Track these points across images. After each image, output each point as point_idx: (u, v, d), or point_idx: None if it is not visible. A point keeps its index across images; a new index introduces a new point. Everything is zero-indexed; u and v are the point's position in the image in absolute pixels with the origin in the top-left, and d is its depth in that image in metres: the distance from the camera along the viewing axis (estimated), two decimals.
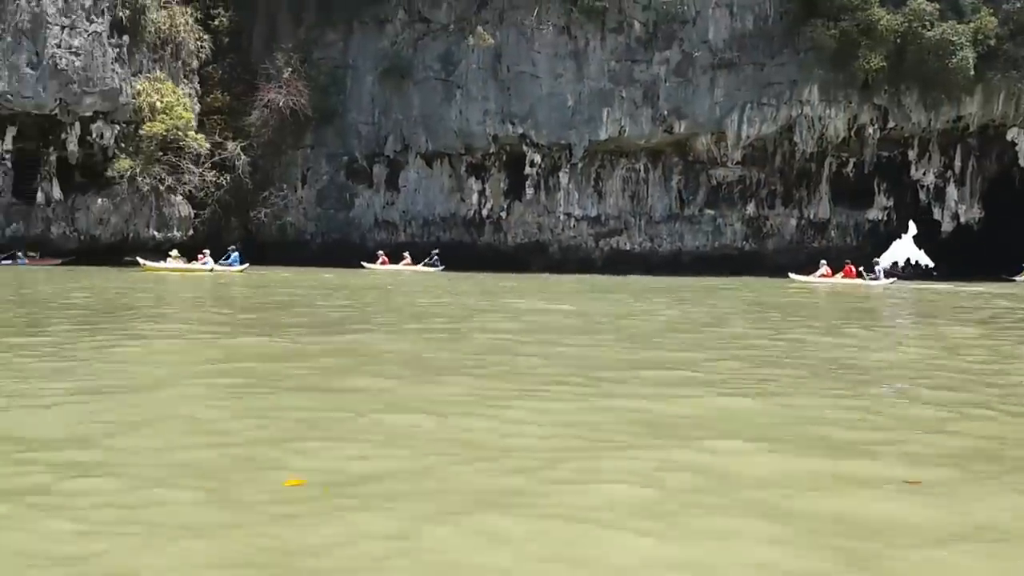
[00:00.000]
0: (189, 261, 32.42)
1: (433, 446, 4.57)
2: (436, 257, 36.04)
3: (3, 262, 30.95)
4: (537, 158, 36.92)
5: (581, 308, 16.17)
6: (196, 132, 34.66)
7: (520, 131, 36.58)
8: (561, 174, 37.19)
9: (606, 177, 37.60)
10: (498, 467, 4.13)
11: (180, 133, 33.99)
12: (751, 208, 37.25)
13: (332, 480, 3.88)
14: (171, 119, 33.72)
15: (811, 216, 37.31)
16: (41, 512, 3.43)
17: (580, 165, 36.96)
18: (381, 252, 36.53)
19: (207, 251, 33.25)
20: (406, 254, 36.20)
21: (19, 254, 31.68)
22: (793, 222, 37.31)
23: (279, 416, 5.22)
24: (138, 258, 32.16)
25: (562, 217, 37.46)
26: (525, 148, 36.82)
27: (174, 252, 33.02)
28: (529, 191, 37.31)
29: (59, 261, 32.22)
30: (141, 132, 33.54)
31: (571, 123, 36.29)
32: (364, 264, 35.46)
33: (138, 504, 3.52)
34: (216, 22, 37.88)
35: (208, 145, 35.12)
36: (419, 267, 35.43)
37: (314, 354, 8.39)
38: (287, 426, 4.98)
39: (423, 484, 3.87)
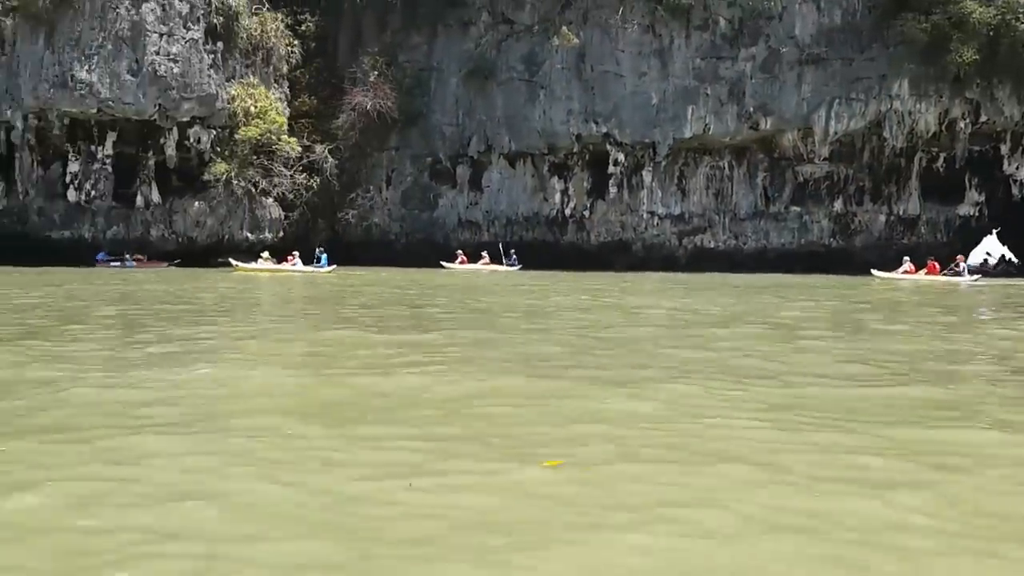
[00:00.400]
0: (279, 262, 33.19)
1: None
2: (514, 256, 36.39)
3: (112, 264, 32.01)
4: (621, 157, 36.98)
5: (712, 304, 16.23)
6: (288, 136, 35.40)
7: (604, 130, 36.67)
8: (644, 172, 37.20)
9: (689, 175, 37.50)
10: None
11: (273, 137, 34.78)
12: (838, 205, 36.81)
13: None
14: (265, 123, 34.53)
15: (900, 212, 36.72)
16: None
17: (663, 163, 36.91)
18: (460, 252, 36.97)
19: (296, 252, 34.00)
20: (484, 253, 36.59)
21: (127, 256, 32.71)
22: (882, 218, 36.76)
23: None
24: (231, 259, 33.03)
25: (645, 215, 37.46)
26: (608, 147, 36.90)
27: (265, 254, 33.85)
28: (612, 190, 37.39)
29: (166, 264, 33.18)
30: (236, 136, 34.38)
31: (655, 121, 36.28)
32: (443, 264, 35.93)
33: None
34: (303, 27, 38.63)
35: (299, 148, 35.85)
36: (497, 266, 35.82)
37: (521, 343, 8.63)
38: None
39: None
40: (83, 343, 9.45)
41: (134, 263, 32.64)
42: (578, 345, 9.45)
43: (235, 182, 34.68)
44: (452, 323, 12.47)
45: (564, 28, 36.19)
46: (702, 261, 36.44)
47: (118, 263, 32.08)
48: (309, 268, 33.13)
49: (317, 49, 39.60)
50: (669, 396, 6.21)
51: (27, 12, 32.21)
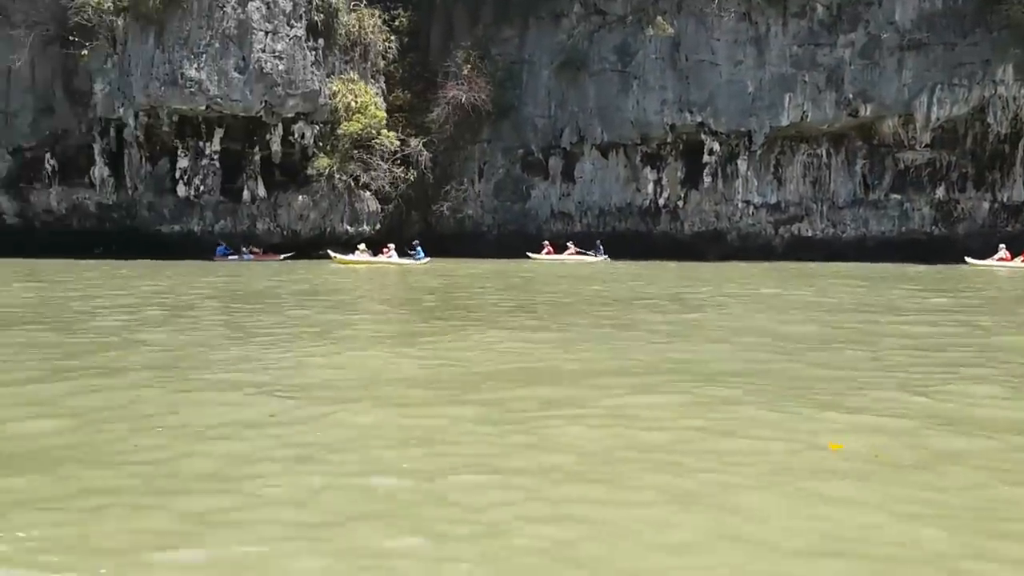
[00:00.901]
0: (375, 254, 33.75)
1: None
2: (601, 247, 36.57)
3: (230, 258, 32.86)
4: (716, 146, 36.82)
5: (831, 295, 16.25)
6: (388, 130, 35.95)
7: (698, 119, 36.54)
8: (739, 161, 36.99)
9: (786, 163, 37.20)
10: None
11: (373, 131, 35.33)
12: (940, 192, 36.20)
13: None
14: (366, 118, 35.09)
15: (1004, 199, 35.97)
16: None
17: (759, 152, 36.67)
18: (546, 243, 37.24)
19: (391, 245, 34.53)
20: (570, 244, 36.85)
21: (244, 250, 33.51)
22: (985, 206, 36.06)
23: None
24: (329, 251, 33.68)
25: (740, 205, 37.26)
26: (703, 136, 36.76)
27: (361, 246, 34.44)
28: (707, 179, 37.26)
29: (281, 257, 33.92)
30: (339, 131, 35.01)
31: (751, 110, 36.05)
32: (529, 254, 36.22)
33: None
34: (396, 23, 39.10)
35: (398, 142, 36.37)
36: (582, 256, 36.04)
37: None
38: None
39: None
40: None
41: (251, 256, 33.44)
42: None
43: (337, 176, 35.32)
44: (659, 321, 12.70)
45: (659, 18, 36.11)
46: (799, 250, 36.18)
47: (236, 256, 32.89)
48: (404, 260, 33.65)
49: (410, 44, 40.04)
50: None
51: (138, 12, 33.17)
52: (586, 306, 14.07)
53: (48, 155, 36.63)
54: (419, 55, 40.49)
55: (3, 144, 36.49)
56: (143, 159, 36.08)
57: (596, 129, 38.11)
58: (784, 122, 35.88)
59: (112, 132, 35.98)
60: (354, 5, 36.83)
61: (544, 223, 39.35)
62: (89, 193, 36.82)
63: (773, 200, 37.24)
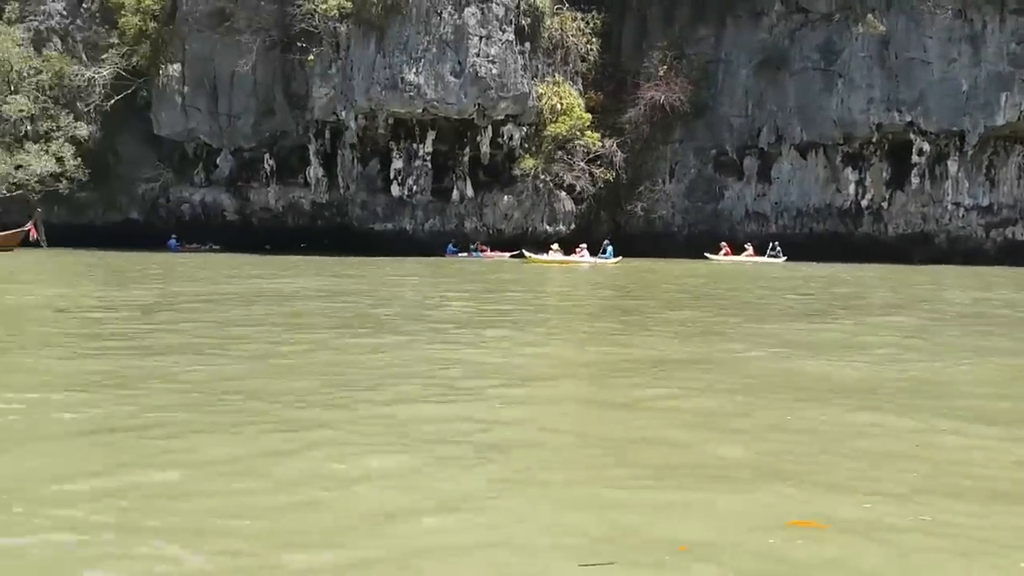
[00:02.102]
0: (567, 254, 34.40)
1: None
2: (778, 248, 36.28)
3: (460, 255, 34.07)
4: (925, 146, 36.02)
5: None
6: (594, 132, 36.57)
7: (907, 119, 35.80)
8: (949, 162, 36.09)
9: (999, 164, 36.11)
10: None
11: (578, 133, 36.00)
12: None
13: None
14: (571, 120, 35.78)
15: None
16: None
17: (971, 152, 35.70)
18: (723, 244, 37.15)
19: (584, 244, 35.11)
20: (748, 245, 36.71)
21: (473, 247, 34.62)
22: None
23: None
24: (523, 251, 34.48)
25: (950, 206, 36.35)
26: (912, 136, 36.00)
27: (555, 245, 35.15)
28: (914, 180, 36.49)
29: (507, 254, 34.90)
30: (545, 133, 35.81)
31: (964, 109, 35.11)
32: (707, 255, 36.24)
33: None
34: (591, 25, 39.60)
35: (601, 143, 36.93)
36: (759, 258, 35.86)
37: None
38: None
39: None
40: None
41: (480, 254, 34.51)
42: None
43: (541, 176, 36.14)
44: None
45: (869, 16, 35.53)
46: (1012, 255, 35.06)
47: (465, 254, 34.05)
48: (596, 259, 34.18)
49: (602, 45, 40.48)
50: None
51: (360, 19, 34.64)
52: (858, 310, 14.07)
53: (267, 155, 38.68)
54: (611, 56, 40.89)
55: (226, 145, 38.71)
56: (355, 160, 37.71)
57: (795, 128, 37.78)
58: (1000, 121, 34.83)
59: (327, 134, 37.72)
60: (556, 8, 37.50)
61: (738, 224, 39.27)
62: (304, 192, 38.74)
63: (985, 202, 36.20)
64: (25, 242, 34.16)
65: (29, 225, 34.13)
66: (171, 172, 39.52)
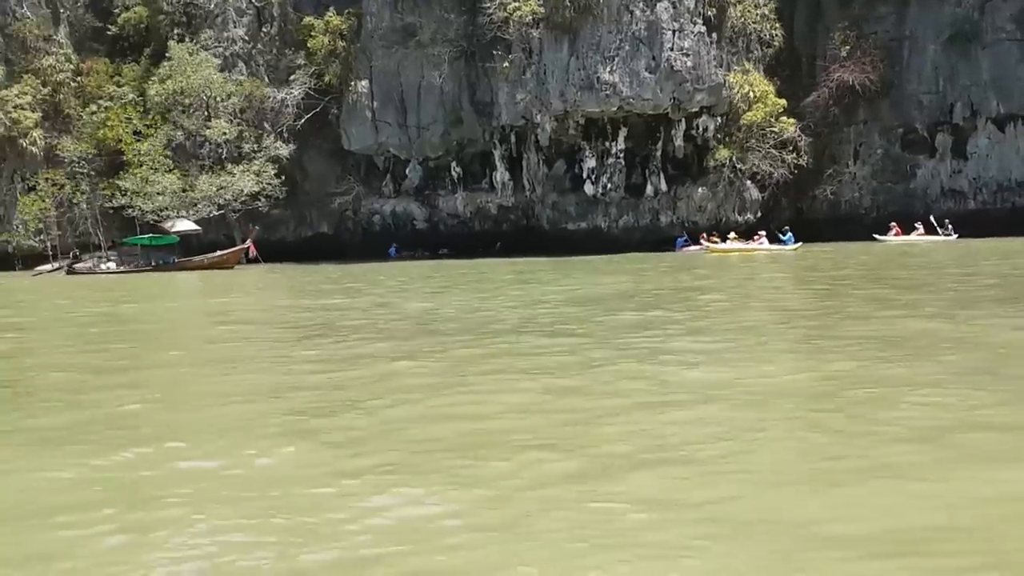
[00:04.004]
0: (745, 241, 34.18)
1: None
2: (950, 225, 35.35)
3: (687, 250, 34.09)
4: None
5: None
6: (788, 118, 36.30)
7: None
8: None
9: None
10: None
11: (772, 120, 35.79)
12: None
13: None
14: (766, 107, 35.59)
15: None
16: None
17: None
18: (894, 224, 36.39)
19: (763, 232, 34.83)
20: (918, 224, 35.89)
21: (702, 240, 34.58)
22: None
23: None
24: (701, 239, 34.36)
25: None
26: None
27: (732, 234, 34.96)
28: None
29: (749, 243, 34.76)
30: (742, 122, 35.70)
31: None
32: (876, 236, 35.57)
33: None
34: (771, 11, 39.28)
35: (794, 130, 36.63)
36: (932, 236, 34.99)
37: None
38: None
39: None
40: None
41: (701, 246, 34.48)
42: None
43: (737, 166, 36.03)
44: None
45: None
46: None
47: (696, 247, 34.09)
48: (775, 246, 33.87)
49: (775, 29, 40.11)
50: None
51: (552, 22, 35.02)
52: None
53: (453, 163, 39.37)
54: (785, 40, 40.47)
55: (415, 156, 39.55)
56: (540, 162, 38.14)
57: (991, 102, 36.91)
58: None
59: (512, 138, 38.22)
60: None
61: (933, 202, 38.43)
62: (490, 196, 39.30)
63: None
64: (244, 259, 35.52)
65: (249, 243, 35.46)
66: (361, 185, 40.48)
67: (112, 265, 35.79)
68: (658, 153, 36.71)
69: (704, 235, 34.55)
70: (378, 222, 40.60)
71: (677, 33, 34.83)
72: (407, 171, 40.16)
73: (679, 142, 36.27)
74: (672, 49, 34.69)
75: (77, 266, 35.49)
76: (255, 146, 39.10)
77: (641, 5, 34.72)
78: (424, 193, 40.25)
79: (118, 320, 16.53)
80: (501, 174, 38.88)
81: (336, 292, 20.73)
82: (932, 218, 35.55)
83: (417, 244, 39.57)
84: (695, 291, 17.27)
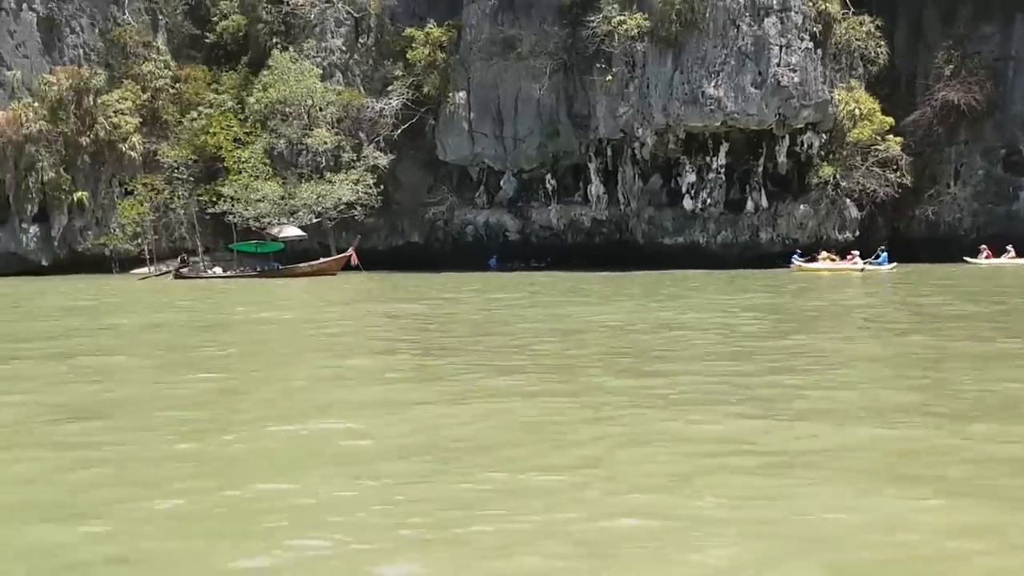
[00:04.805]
0: (838, 260, 33.69)
1: None
2: None
3: (799, 261, 33.77)
4: None
5: None
6: (894, 136, 35.92)
7: None
8: None
9: None
10: None
11: (878, 138, 35.41)
12: None
13: None
14: (872, 125, 35.23)
15: None
16: None
17: None
18: (984, 246, 35.74)
19: (856, 251, 34.33)
20: (1009, 247, 35.20)
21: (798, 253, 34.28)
22: None
23: None
24: (794, 259, 33.92)
25: None
26: None
27: (823, 252, 34.48)
28: None
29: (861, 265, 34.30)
30: (847, 140, 35.36)
31: None
32: (967, 259, 34.95)
33: None
34: (875, 28, 38.91)
35: (899, 148, 36.21)
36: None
37: None
38: None
39: None
40: None
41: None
42: None
43: (841, 184, 35.68)
44: None
45: None
46: None
47: (806, 260, 33.78)
48: (870, 265, 33.35)
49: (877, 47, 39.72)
50: None
51: (657, 35, 35.00)
52: None
53: (548, 175, 39.40)
54: (887, 58, 40.07)
55: (510, 167, 39.65)
56: (636, 176, 38.05)
57: None
58: None
59: (608, 151, 38.19)
60: (843, 13, 37.05)
61: None
62: (584, 209, 39.26)
63: None
64: (346, 267, 35.76)
65: (351, 251, 35.70)
66: (454, 195, 40.65)
67: (218, 270, 36.23)
68: (759, 169, 36.46)
69: (820, 252, 34.15)
70: (471, 233, 40.70)
71: (784, 49, 34.63)
72: (501, 182, 40.27)
73: (782, 158, 36.00)
74: (779, 64, 34.49)
75: (184, 271, 35.96)
76: (353, 156, 39.39)
77: (748, 20, 34.58)
78: (517, 205, 40.31)
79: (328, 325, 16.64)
80: (596, 187, 38.84)
81: (528, 302, 20.68)
82: None
83: (508, 256, 39.61)
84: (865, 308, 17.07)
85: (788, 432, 6.38)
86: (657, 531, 4.31)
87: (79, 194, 40.84)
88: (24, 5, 41.44)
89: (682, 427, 6.65)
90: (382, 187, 39.53)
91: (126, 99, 41.61)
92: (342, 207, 38.50)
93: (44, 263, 40.89)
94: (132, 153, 41.44)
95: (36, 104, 40.05)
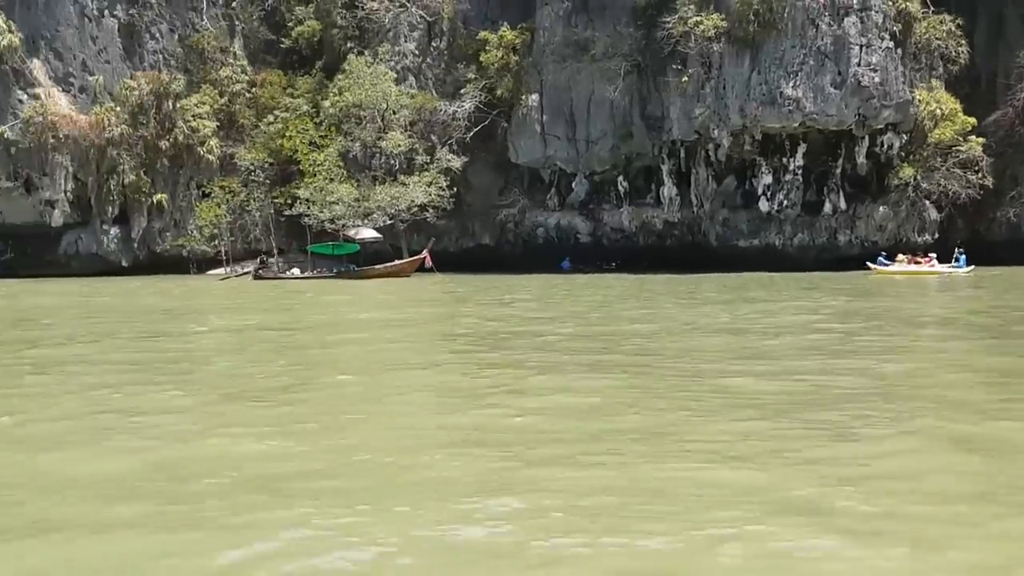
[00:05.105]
0: (911, 263, 33.00)
1: None
2: None
3: (882, 264, 33.29)
4: None
5: None
6: (976, 137, 35.29)
7: None
8: None
9: None
10: None
11: (959, 139, 34.79)
12: None
13: None
14: (953, 126, 34.63)
15: None
16: None
17: None
18: None
19: (933, 254, 33.63)
20: None
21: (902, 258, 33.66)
22: None
23: None
24: (868, 262, 33.29)
25: None
26: None
27: (900, 256, 33.79)
28: None
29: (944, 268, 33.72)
30: (928, 140, 34.80)
31: None
32: None
33: None
34: (957, 28, 38.25)
35: (980, 149, 35.54)
36: None
37: None
38: None
39: None
40: None
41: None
42: None
43: (922, 185, 35.10)
44: None
45: None
46: None
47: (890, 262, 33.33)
48: (946, 268, 32.65)
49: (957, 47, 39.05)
50: None
51: (734, 36, 34.79)
52: None
53: (620, 177, 39.35)
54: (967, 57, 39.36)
55: (582, 170, 39.68)
56: (709, 177, 37.85)
57: None
58: None
59: (681, 153, 38.03)
60: (923, 12, 36.50)
61: None
62: (656, 211, 39.11)
63: None
64: (419, 269, 36.06)
65: (425, 253, 36.00)
66: (525, 198, 40.78)
67: (297, 271, 36.78)
68: (838, 170, 36.03)
69: (904, 254, 33.61)
70: (541, 235, 40.80)
71: (864, 48, 34.21)
72: (573, 184, 40.32)
73: (861, 159, 35.54)
74: (859, 64, 34.08)
75: (262, 271, 36.56)
76: (426, 158, 39.74)
77: (827, 19, 34.23)
78: (588, 207, 40.32)
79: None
80: (669, 189, 38.68)
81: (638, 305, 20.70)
82: None
83: (579, 258, 39.63)
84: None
85: None
86: None
87: (158, 196, 41.76)
88: (106, 12, 42.51)
89: None
90: (455, 189, 39.74)
91: (204, 103, 42.44)
92: (415, 209, 38.84)
93: (124, 264, 41.86)
94: (210, 156, 42.25)
95: (118, 108, 41.01)
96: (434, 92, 41.78)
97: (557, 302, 21.41)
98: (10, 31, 39.30)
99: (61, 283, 34.30)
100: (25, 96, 40.16)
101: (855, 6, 34.33)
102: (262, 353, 12.34)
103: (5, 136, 39.23)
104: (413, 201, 38.59)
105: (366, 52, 41.32)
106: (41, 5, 41.02)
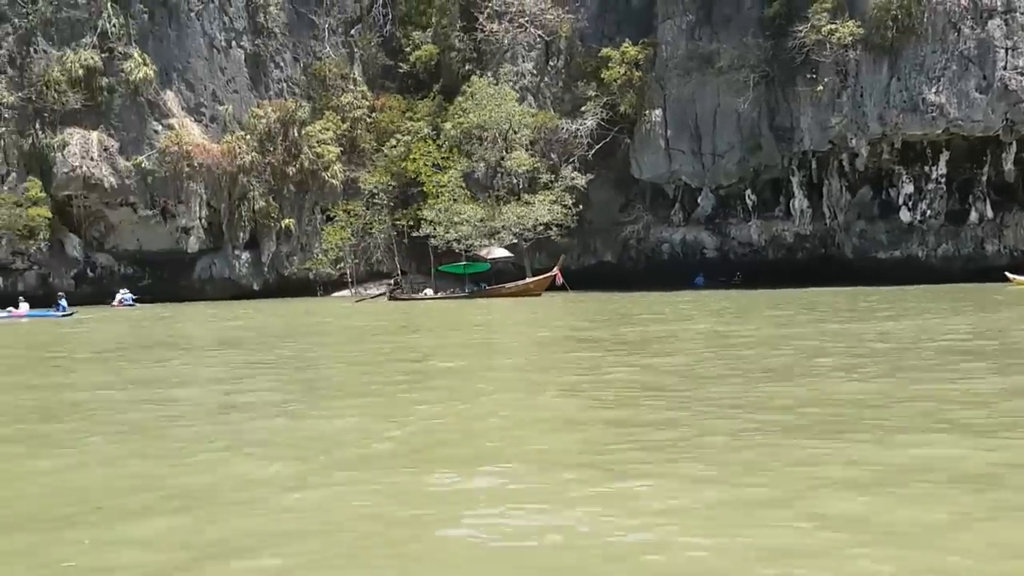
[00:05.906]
0: None
1: None
2: None
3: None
4: None
5: None
6: None
7: None
8: None
9: None
10: None
11: None
12: None
13: None
14: None
15: None
16: None
17: None
18: None
19: None
20: None
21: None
22: None
23: None
24: (1007, 273, 31.60)
25: None
26: None
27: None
28: None
29: None
30: None
31: None
32: None
33: None
34: None
35: None
36: None
37: None
38: None
39: None
40: None
41: None
42: None
43: None
44: None
45: None
46: None
47: None
48: None
49: None
50: None
51: (871, 42, 33.84)
52: None
53: (748, 191, 38.61)
54: None
55: (708, 184, 39.08)
56: (843, 188, 36.86)
57: None
58: None
59: (812, 164, 37.14)
60: None
61: None
62: (786, 224, 38.25)
63: None
64: (550, 287, 35.92)
65: (556, 271, 35.85)
66: (649, 214, 40.36)
67: (429, 292, 37.05)
68: (983, 177, 34.65)
69: None
70: (666, 251, 40.31)
71: (1011, 51, 32.83)
72: (699, 199, 39.77)
73: (1008, 165, 34.10)
74: (1006, 68, 32.71)
75: (397, 293, 36.95)
76: (550, 176, 39.70)
77: (970, 22, 33.00)
78: (715, 221, 39.68)
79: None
80: (799, 201, 37.82)
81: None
82: None
83: (707, 273, 39.02)
84: None
85: None
86: None
87: (286, 221, 42.70)
88: (233, 43, 43.78)
89: None
90: (578, 207, 39.57)
91: (327, 129, 43.31)
92: (540, 228, 38.80)
93: (255, 287, 42.87)
94: (334, 181, 43.07)
95: (247, 136, 42.10)
96: (552, 110, 41.78)
97: (781, 328, 20.80)
98: (145, 64, 40.69)
99: (218, 307, 35.07)
100: (160, 127, 41.53)
101: (999, 8, 33.02)
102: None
103: (143, 166, 40.58)
104: (538, 219, 38.56)
105: (488, 73, 41.55)
106: (173, 38, 42.45)
